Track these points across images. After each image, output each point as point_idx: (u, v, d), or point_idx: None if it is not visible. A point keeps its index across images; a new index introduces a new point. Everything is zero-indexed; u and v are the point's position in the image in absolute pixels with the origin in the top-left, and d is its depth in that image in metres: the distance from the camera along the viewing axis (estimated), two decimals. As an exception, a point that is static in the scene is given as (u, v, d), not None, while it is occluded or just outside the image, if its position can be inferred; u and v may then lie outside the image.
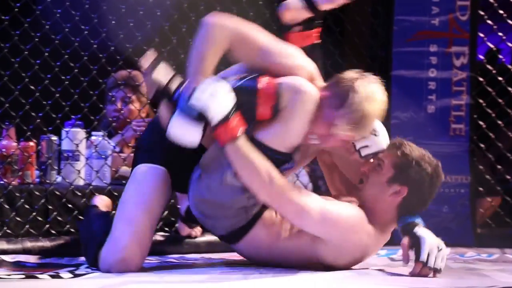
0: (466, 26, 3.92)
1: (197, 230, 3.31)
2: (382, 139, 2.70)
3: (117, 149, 3.71)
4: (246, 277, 2.58)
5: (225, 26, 2.64)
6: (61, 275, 2.62)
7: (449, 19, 3.92)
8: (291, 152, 2.63)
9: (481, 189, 3.88)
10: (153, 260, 3.02)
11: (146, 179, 2.73)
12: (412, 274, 2.64)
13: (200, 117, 2.51)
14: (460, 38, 3.93)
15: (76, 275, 2.61)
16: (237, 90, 2.57)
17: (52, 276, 2.59)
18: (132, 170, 2.83)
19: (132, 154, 3.67)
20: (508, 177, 3.95)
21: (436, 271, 2.63)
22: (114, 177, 3.56)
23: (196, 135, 2.52)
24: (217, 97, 2.51)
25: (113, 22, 3.46)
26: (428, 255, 2.62)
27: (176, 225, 3.38)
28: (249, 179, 2.58)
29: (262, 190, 2.59)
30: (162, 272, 2.70)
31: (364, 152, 2.68)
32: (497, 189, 3.89)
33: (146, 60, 2.67)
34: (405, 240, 2.65)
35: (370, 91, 2.59)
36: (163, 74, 2.64)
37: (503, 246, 3.64)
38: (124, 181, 3.50)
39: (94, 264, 2.74)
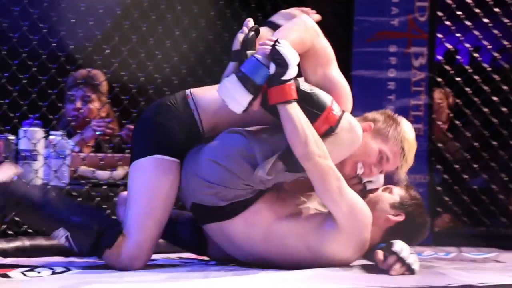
0: (424, 27, 3.96)
1: None
2: (383, 178, 2.86)
3: (76, 149, 3.68)
4: (207, 276, 2.58)
5: (316, 31, 2.78)
6: (9, 274, 2.58)
7: (408, 20, 3.95)
8: None
9: (439, 188, 3.92)
10: (91, 261, 2.98)
11: (166, 172, 2.73)
12: (387, 266, 2.68)
13: (256, 87, 2.57)
14: (418, 39, 3.96)
15: (30, 276, 2.58)
16: (308, 93, 2.66)
17: (1, 276, 2.56)
18: (136, 147, 2.78)
19: (92, 154, 3.68)
20: (466, 176, 4.00)
21: (409, 269, 2.68)
22: (73, 176, 3.53)
23: (246, 100, 2.58)
24: (296, 55, 2.62)
25: (72, 20, 3.43)
26: (402, 251, 2.68)
27: None
28: (301, 142, 2.62)
29: (311, 157, 2.62)
30: (121, 271, 2.69)
31: (369, 186, 2.82)
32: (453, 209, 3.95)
33: (249, 21, 2.73)
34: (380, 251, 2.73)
35: (413, 136, 2.86)
36: (250, 41, 2.68)
37: (460, 245, 3.68)
38: (83, 181, 3.49)
39: (95, 254, 2.74)
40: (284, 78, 2.60)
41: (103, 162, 3.60)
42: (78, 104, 3.91)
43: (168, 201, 2.75)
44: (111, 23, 3.50)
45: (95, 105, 3.92)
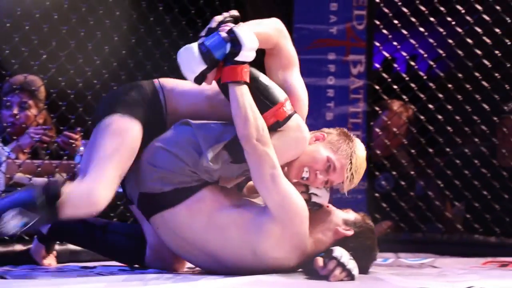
0: (362, 35, 3.99)
1: (52, 258, 3.12)
2: (328, 195, 2.86)
3: (12, 156, 3.60)
4: (146, 283, 2.55)
5: (284, 33, 2.84)
6: None
7: (346, 28, 3.98)
8: None
9: (377, 194, 3.95)
10: (27, 269, 2.95)
11: (129, 127, 2.73)
12: (327, 272, 2.69)
13: (212, 60, 2.63)
14: (357, 47, 3.99)
15: None
16: (266, 85, 2.72)
17: None
18: (99, 113, 2.77)
19: (28, 161, 3.60)
20: (403, 183, 4.04)
21: (349, 274, 2.70)
22: (8, 184, 3.45)
23: (199, 68, 2.63)
24: (253, 40, 2.65)
25: (7, 24, 3.36)
26: (342, 257, 2.69)
27: (31, 246, 3.13)
28: (242, 123, 2.66)
29: (249, 139, 2.66)
30: (56, 278, 2.65)
31: (314, 199, 2.82)
32: (390, 214, 3.96)
33: (233, 11, 2.79)
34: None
35: (363, 155, 2.86)
36: (224, 23, 2.71)
37: (398, 251, 3.72)
38: (19, 188, 3.41)
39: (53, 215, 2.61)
40: (238, 59, 2.64)
41: (40, 169, 3.52)
42: (15, 110, 3.83)
43: (130, 153, 2.72)
44: (48, 28, 3.44)
45: (32, 111, 3.84)
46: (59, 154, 3.71)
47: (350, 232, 2.79)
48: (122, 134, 2.72)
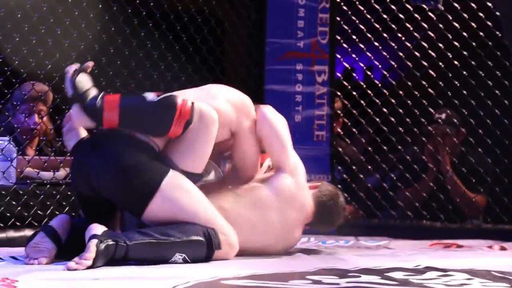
0: (326, 48, 4.01)
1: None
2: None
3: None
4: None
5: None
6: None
7: (312, 42, 4.00)
8: (199, 172, 2.63)
9: (339, 186, 3.98)
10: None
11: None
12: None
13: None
14: (321, 59, 3.99)
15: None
16: (156, 103, 2.57)
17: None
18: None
19: (36, 157, 3.57)
20: (361, 175, 4.07)
21: None
22: (19, 177, 3.44)
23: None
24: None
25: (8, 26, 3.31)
26: None
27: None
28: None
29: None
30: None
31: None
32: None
33: (71, 68, 2.62)
34: None
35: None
36: (83, 82, 2.60)
37: (357, 235, 3.71)
38: (28, 181, 3.39)
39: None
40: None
41: (46, 164, 3.52)
42: (37, 118, 3.80)
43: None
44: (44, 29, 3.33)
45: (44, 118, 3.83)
46: (63, 151, 3.70)
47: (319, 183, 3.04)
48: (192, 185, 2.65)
